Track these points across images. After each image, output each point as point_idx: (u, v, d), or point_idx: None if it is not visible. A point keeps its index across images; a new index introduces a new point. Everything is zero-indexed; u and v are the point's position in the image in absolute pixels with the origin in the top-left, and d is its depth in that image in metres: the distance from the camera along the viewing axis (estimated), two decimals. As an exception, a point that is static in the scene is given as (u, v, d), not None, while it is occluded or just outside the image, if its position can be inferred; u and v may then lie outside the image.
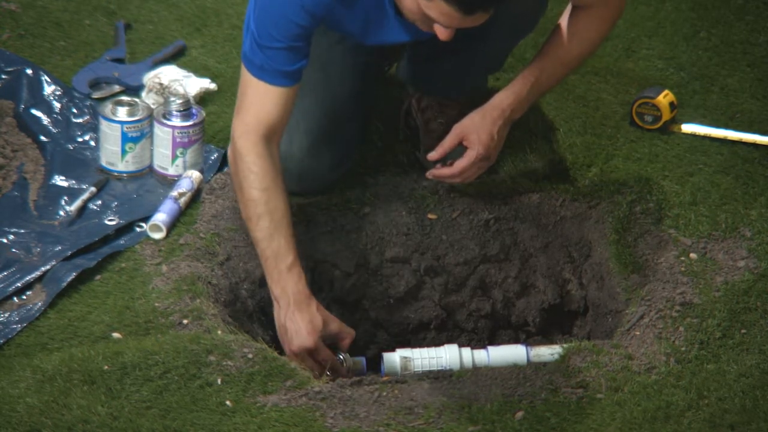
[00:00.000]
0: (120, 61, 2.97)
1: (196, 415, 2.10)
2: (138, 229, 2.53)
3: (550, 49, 2.47)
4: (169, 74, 2.86)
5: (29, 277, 2.38)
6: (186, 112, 2.63)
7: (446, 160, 2.52)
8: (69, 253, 2.42)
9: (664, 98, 2.89)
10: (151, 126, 2.65)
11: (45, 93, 2.83)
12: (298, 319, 2.29)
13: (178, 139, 2.63)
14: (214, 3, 3.23)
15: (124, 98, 2.69)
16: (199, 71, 2.93)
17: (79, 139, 2.74)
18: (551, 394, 2.19)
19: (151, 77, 2.85)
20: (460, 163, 2.49)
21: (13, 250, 2.45)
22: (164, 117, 2.63)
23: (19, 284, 2.36)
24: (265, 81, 2.30)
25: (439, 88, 2.72)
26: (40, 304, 2.33)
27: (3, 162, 2.67)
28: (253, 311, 2.51)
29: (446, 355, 2.38)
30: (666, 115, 2.88)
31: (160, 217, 2.51)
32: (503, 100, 2.47)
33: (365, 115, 2.77)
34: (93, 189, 2.61)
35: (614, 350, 2.30)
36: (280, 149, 2.41)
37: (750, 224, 2.58)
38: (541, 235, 2.73)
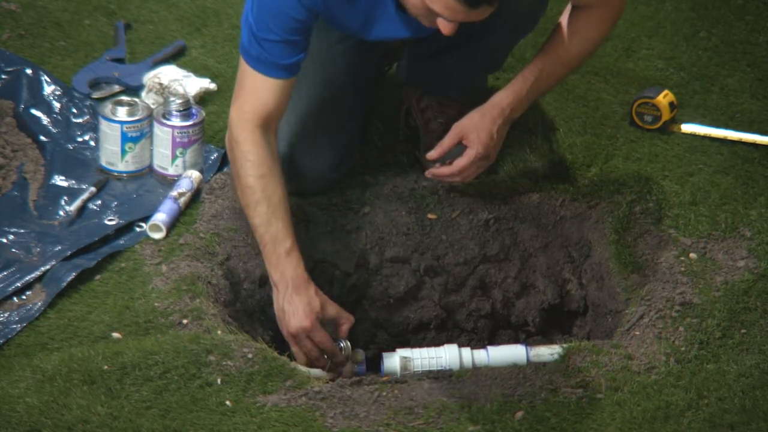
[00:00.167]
0: (120, 61, 2.97)
1: (196, 415, 2.10)
2: (138, 229, 2.53)
3: (551, 49, 2.47)
4: (169, 74, 2.86)
5: (29, 277, 2.37)
6: (186, 112, 2.63)
7: (446, 159, 2.51)
8: (69, 253, 2.42)
9: (664, 98, 2.89)
10: (151, 126, 2.65)
11: (45, 93, 2.82)
12: (296, 301, 2.30)
13: (177, 139, 2.62)
14: (214, 3, 3.23)
15: (124, 98, 2.69)
16: (199, 71, 2.93)
17: (79, 139, 2.74)
18: (551, 394, 2.19)
19: (151, 77, 2.85)
20: (460, 162, 2.48)
21: (13, 250, 2.45)
22: (164, 117, 2.63)
23: (19, 284, 2.36)
24: (262, 72, 2.32)
25: (439, 87, 2.71)
26: (39, 304, 2.32)
27: (3, 162, 2.67)
28: (253, 311, 2.51)
29: (446, 355, 2.37)
30: (666, 115, 2.88)
31: (160, 217, 2.51)
32: (503, 99, 2.47)
33: (365, 115, 2.77)
34: (93, 189, 2.60)
35: (614, 350, 2.30)
36: (280, 150, 2.41)
37: (750, 224, 2.58)
38: (541, 235, 2.73)
